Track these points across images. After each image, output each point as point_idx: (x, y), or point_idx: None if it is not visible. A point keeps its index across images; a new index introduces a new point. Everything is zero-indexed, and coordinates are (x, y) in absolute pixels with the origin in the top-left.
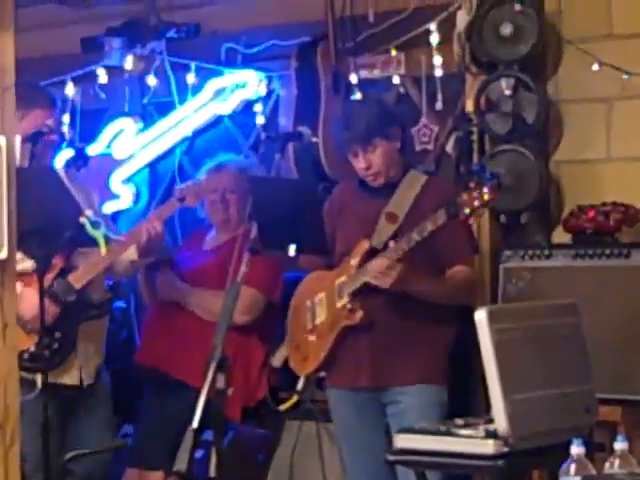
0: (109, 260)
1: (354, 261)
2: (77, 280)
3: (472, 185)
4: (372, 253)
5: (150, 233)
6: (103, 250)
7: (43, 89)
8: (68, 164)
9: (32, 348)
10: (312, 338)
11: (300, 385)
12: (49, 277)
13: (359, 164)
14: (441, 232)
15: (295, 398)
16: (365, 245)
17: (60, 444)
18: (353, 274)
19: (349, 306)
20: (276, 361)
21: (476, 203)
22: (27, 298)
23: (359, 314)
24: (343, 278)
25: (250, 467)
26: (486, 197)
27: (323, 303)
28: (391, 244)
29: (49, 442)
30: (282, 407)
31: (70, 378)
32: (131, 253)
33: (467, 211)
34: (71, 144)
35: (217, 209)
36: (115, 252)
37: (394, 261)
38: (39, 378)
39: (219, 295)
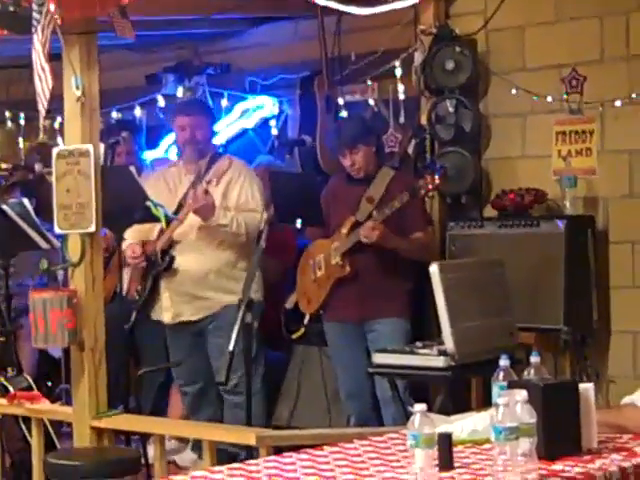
0: (178, 225)
1: (344, 230)
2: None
3: (426, 174)
4: (357, 225)
5: (200, 200)
6: (164, 225)
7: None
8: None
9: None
10: (315, 286)
11: (306, 320)
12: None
13: (346, 162)
14: (405, 210)
15: (303, 330)
16: (352, 219)
17: None
18: (344, 239)
19: (340, 263)
20: (289, 304)
21: (429, 186)
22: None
23: (347, 268)
24: (336, 243)
25: None
26: (436, 182)
27: (322, 262)
28: (373, 214)
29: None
30: (294, 336)
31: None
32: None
33: (423, 192)
34: (140, 149)
35: None
36: (180, 219)
37: (377, 223)
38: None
39: None
